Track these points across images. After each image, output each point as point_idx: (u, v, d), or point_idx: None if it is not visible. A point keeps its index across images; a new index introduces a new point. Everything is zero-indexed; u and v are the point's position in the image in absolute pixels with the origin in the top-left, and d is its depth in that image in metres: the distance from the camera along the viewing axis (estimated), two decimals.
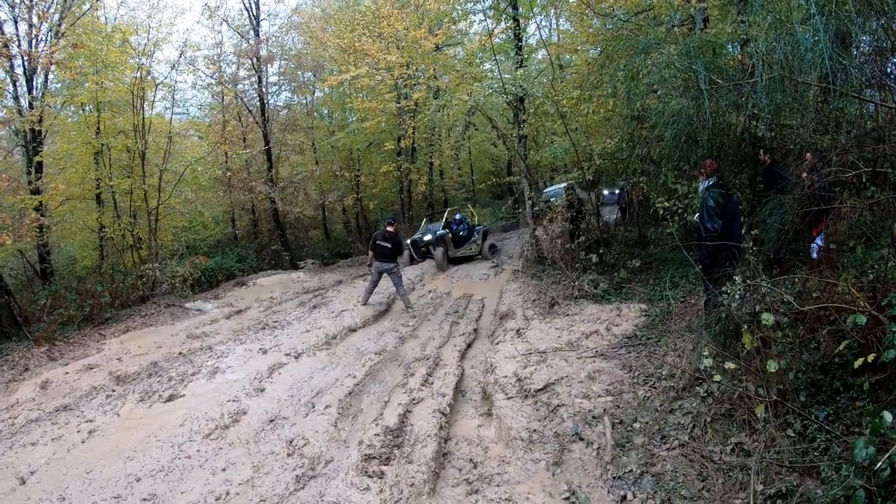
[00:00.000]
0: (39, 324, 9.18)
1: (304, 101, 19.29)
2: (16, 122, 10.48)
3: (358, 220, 19.43)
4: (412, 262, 15.18)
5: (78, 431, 5.24)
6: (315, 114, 19.62)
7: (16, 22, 10.53)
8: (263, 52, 16.64)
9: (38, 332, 8.76)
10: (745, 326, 3.63)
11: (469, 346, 7.69)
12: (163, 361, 7.31)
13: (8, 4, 10.17)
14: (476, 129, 13.01)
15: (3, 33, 10.16)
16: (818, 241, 4.91)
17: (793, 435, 3.19)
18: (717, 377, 3.74)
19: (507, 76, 9.80)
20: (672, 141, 5.27)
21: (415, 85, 13.93)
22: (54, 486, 4.25)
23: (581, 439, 3.96)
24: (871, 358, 2.91)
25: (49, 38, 11.02)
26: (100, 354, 8.04)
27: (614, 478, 3.41)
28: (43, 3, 10.54)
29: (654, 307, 6.64)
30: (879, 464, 2.48)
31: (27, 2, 10.28)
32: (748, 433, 3.40)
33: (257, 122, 16.51)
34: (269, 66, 17.26)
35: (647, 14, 7.90)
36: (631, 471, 3.41)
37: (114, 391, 6.39)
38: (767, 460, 3.10)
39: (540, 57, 16.51)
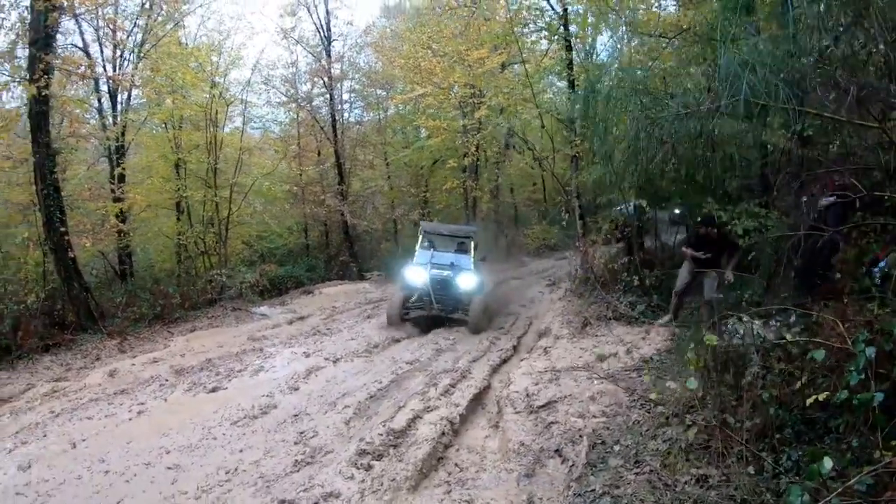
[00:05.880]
0: (114, 319, 9.98)
1: (378, 118, 20.24)
2: (100, 137, 11.69)
3: None
4: (404, 318, 9.43)
5: (129, 411, 6.00)
6: (389, 130, 20.48)
7: (101, 44, 11.70)
8: (336, 72, 17.73)
9: (111, 327, 9.58)
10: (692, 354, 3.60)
11: (505, 361, 7.77)
12: (217, 359, 7.96)
13: (93, 28, 11.34)
14: (530, 150, 13.05)
15: (89, 56, 11.34)
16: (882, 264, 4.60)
17: (752, 473, 3.12)
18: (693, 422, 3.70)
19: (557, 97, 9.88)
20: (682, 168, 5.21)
21: (479, 103, 14.23)
22: (98, 451, 4.98)
23: (560, 455, 4.06)
24: (822, 397, 2.82)
25: (132, 58, 12.10)
26: (165, 350, 8.87)
27: (575, 494, 3.51)
28: (124, 30, 11.59)
29: (685, 330, 6.48)
30: None
31: (110, 26, 11.33)
32: (717, 466, 3.36)
33: (328, 139, 17.58)
34: (341, 84, 18.33)
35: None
36: (594, 490, 3.49)
37: (167, 381, 7.10)
38: (723, 496, 3.07)
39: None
